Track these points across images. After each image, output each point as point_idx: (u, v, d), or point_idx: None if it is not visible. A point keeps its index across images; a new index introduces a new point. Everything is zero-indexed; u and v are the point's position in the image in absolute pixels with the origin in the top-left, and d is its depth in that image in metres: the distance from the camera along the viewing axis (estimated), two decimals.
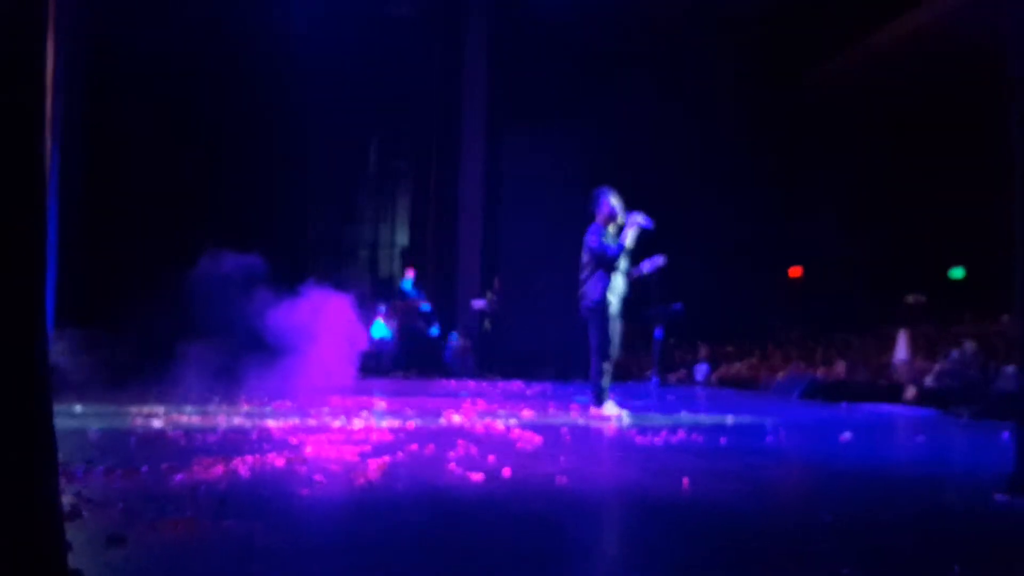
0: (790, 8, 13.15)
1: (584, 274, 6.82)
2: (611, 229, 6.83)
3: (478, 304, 13.68)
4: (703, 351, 14.08)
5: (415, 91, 14.50)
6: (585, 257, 6.82)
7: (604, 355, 6.73)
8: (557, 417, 6.77)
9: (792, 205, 15.00)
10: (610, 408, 6.72)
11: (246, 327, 8.41)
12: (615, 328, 6.79)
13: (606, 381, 6.78)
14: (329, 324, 9.40)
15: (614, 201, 6.86)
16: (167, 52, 9.82)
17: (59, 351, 8.15)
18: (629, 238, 6.72)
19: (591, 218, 6.93)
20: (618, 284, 6.79)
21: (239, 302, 8.28)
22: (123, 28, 9.60)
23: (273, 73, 11.47)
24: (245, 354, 8.54)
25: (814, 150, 15.22)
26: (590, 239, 6.77)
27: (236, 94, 11.09)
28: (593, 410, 6.77)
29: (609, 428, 6.01)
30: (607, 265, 6.70)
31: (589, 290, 6.76)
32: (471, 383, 11.44)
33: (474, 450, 4.48)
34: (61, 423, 2.15)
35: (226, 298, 8.05)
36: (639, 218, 6.75)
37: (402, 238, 15.41)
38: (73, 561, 2.03)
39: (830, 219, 14.78)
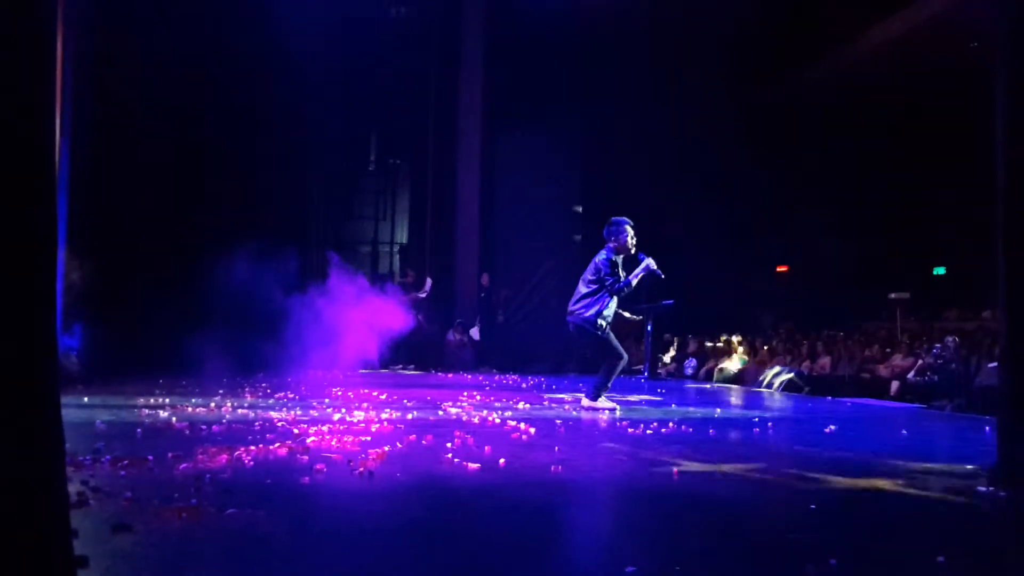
0: (781, 10, 13.23)
1: (587, 289, 6.84)
2: (619, 258, 6.91)
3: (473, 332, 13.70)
4: (692, 346, 14.19)
5: (413, 90, 14.52)
6: (591, 276, 6.87)
7: (619, 357, 6.83)
8: (551, 409, 6.85)
9: (780, 204, 15.11)
10: (603, 402, 6.85)
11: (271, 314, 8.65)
12: (613, 337, 6.90)
13: (611, 381, 6.89)
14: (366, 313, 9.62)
15: (630, 232, 6.92)
16: (171, 51, 9.83)
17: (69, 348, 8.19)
18: (636, 279, 6.82)
19: (603, 242, 7.01)
20: (612, 310, 6.89)
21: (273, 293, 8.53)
22: (129, 26, 9.60)
23: (274, 73, 11.47)
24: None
25: (802, 150, 15.31)
26: (602, 264, 6.82)
27: (238, 93, 11.09)
28: (586, 402, 6.88)
29: (601, 420, 6.10)
30: (608, 292, 6.79)
31: (583, 307, 6.82)
32: (468, 376, 11.51)
33: (471, 441, 4.55)
34: (69, 414, 2.18)
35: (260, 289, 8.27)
36: (651, 264, 6.85)
37: (401, 235, 15.43)
38: (80, 548, 2.06)
39: (817, 218, 14.91)
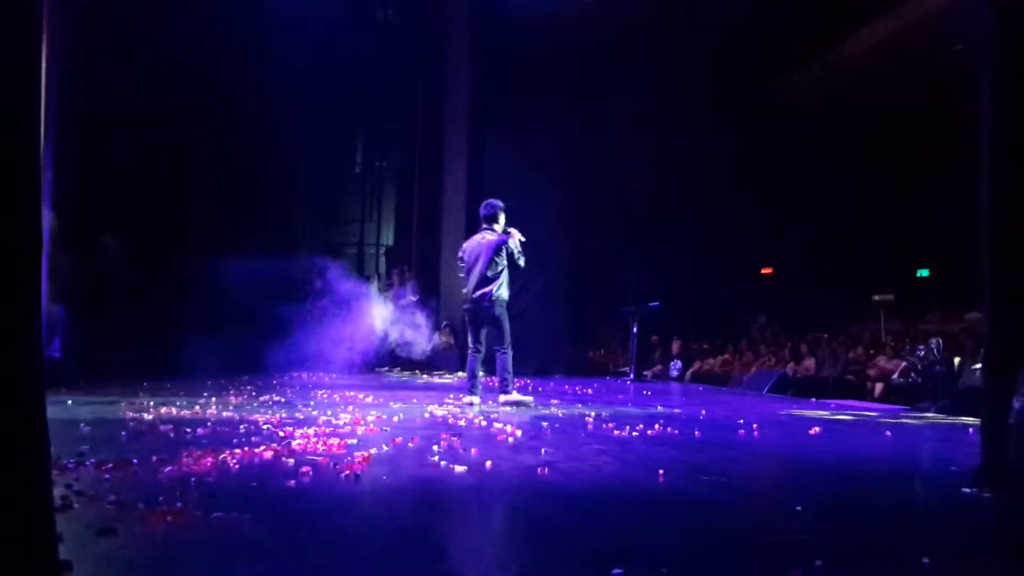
0: (766, 16, 13.29)
1: (492, 272, 7.15)
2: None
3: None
4: (677, 347, 14.24)
5: (400, 94, 14.53)
6: (499, 259, 7.17)
7: (509, 342, 7.24)
8: (537, 411, 6.85)
9: (765, 206, 15.18)
10: (517, 395, 7.16)
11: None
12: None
13: (510, 367, 7.26)
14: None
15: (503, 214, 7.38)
16: (157, 53, 9.80)
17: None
18: (519, 250, 7.23)
19: (483, 224, 7.37)
20: None
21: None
22: (113, 26, 9.56)
23: (261, 75, 11.44)
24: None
25: (788, 154, 15.39)
26: (509, 244, 7.16)
27: (224, 94, 11.05)
28: (504, 397, 7.12)
29: (588, 422, 6.09)
30: (515, 270, 7.23)
31: (497, 288, 7.15)
32: (454, 379, 11.49)
33: (457, 443, 4.54)
34: (53, 416, 2.17)
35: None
36: (518, 234, 7.31)
37: (387, 237, 15.41)
38: (64, 552, 2.05)
39: (802, 220, 15.00)
